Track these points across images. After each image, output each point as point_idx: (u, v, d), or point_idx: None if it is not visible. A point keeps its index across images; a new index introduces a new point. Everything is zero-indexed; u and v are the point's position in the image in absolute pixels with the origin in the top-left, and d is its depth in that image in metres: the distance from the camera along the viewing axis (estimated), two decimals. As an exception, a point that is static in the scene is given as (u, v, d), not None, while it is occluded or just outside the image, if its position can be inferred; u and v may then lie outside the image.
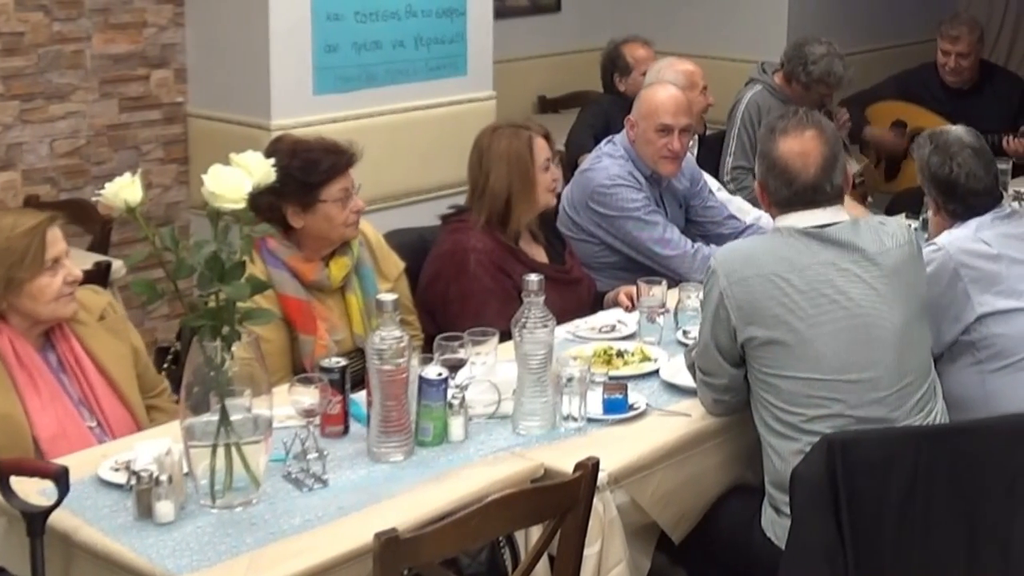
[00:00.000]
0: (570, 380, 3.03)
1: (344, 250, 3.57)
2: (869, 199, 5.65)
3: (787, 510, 2.81)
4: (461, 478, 2.79)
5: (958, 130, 3.56)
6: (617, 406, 3.09)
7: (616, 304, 3.94)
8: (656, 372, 3.36)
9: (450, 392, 2.95)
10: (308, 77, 4.98)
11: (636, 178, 4.29)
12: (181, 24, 5.20)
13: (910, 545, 2.72)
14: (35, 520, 2.50)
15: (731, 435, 3.15)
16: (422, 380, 2.91)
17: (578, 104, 6.59)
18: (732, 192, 5.10)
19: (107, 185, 2.58)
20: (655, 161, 4.30)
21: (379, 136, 4.99)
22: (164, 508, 2.55)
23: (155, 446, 2.63)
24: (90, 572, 2.54)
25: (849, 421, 2.92)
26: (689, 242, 4.28)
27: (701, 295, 3.23)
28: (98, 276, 4.10)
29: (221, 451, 2.60)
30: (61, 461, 2.64)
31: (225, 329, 2.55)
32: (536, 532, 2.68)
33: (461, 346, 3.00)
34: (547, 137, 3.89)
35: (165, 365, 3.44)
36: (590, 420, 3.06)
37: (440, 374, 2.93)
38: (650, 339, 3.57)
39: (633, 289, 3.82)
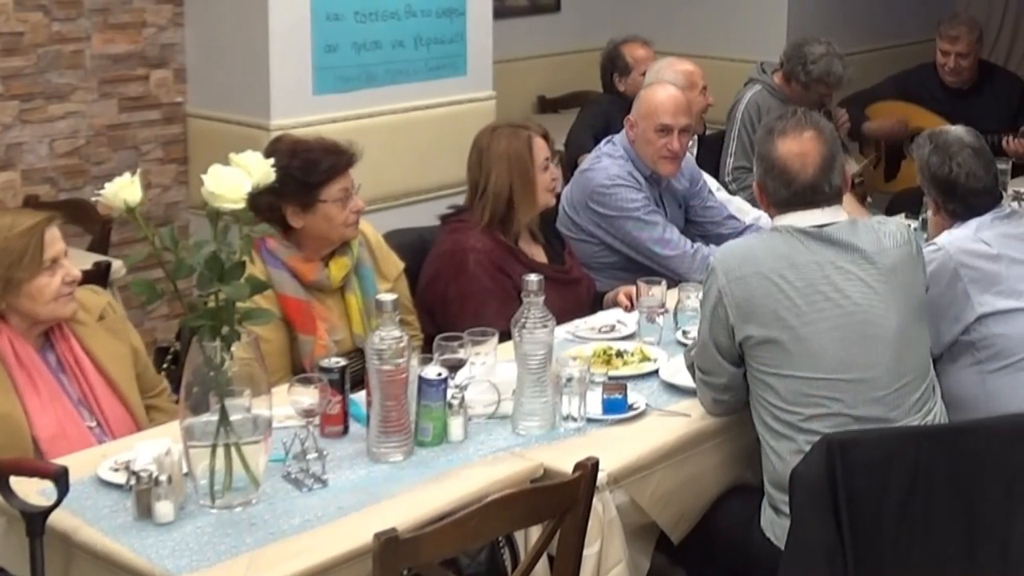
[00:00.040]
0: (569, 380, 3.03)
1: (344, 250, 3.57)
2: (868, 199, 5.65)
3: (786, 510, 2.81)
4: (461, 478, 2.79)
5: (958, 130, 3.56)
6: (616, 406, 3.09)
7: (616, 304, 3.94)
8: (655, 372, 3.36)
9: (450, 392, 2.95)
10: (308, 77, 4.98)
11: (636, 178, 4.30)
12: (180, 24, 5.20)
13: (909, 545, 2.72)
14: (35, 520, 2.50)
15: (730, 435, 3.15)
16: (421, 380, 2.91)
17: (578, 104, 6.59)
18: (734, 192, 5.10)
19: (107, 185, 2.58)
20: (655, 161, 4.30)
21: (379, 136, 4.99)
22: (164, 508, 2.55)
23: (155, 446, 2.63)
24: (90, 572, 2.54)
25: (847, 420, 2.92)
26: (688, 242, 4.28)
27: (701, 295, 3.23)
28: (97, 276, 4.10)
29: (221, 451, 2.59)
30: (61, 461, 2.64)
31: (224, 329, 2.55)
32: (535, 532, 2.68)
33: (461, 346, 3.00)
34: (546, 137, 3.89)
35: (164, 365, 3.44)
36: (589, 420, 3.06)
37: (440, 374, 2.93)
38: (649, 339, 3.57)
39: (632, 289, 3.82)
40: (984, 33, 6.46)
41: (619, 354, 3.46)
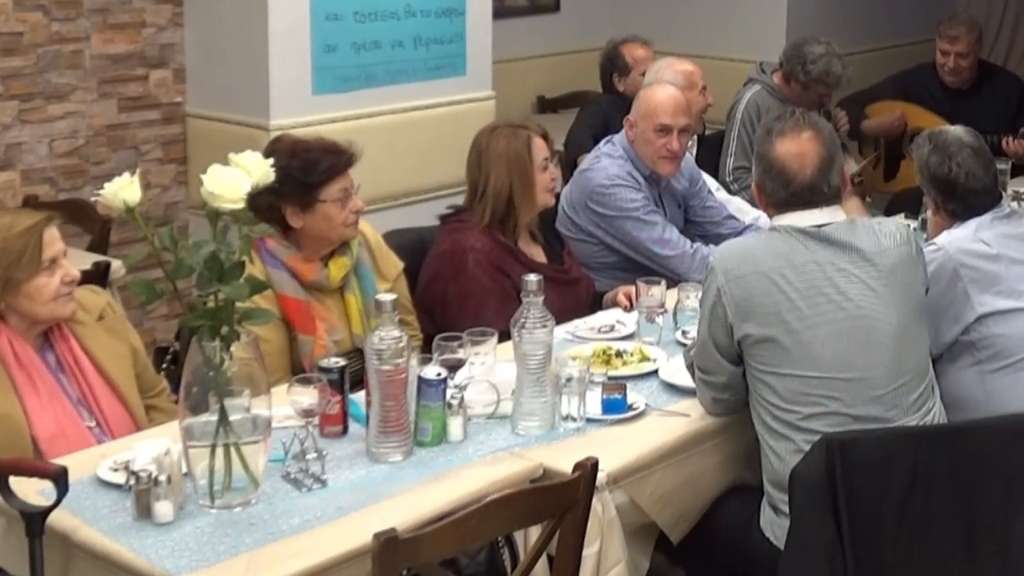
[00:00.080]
0: (569, 380, 3.03)
1: (343, 250, 3.57)
2: (868, 199, 5.65)
3: (786, 510, 2.81)
4: (460, 478, 2.79)
5: (957, 130, 3.56)
6: (616, 406, 3.09)
7: (615, 304, 3.94)
8: (655, 372, 3.36)
9: (449, 392, 2.95)
10: (307, 77, 4.98)
11: (635, 178, 4.30)
12: (180, 24, 5.20)
13: (909, 545, 2.72)
14: (34, 520, 2.50)
15: (730, 435, 3.15)
16: (421, 380, 2.91)
17: (577, 104, 6.59)
18: (734, 192, 5.10)
19: (106, 185, 2.58)
20: (654, 161, 4.30)
21: (378, 136, 4.99)
22: (163, 508, 2.55)
23: (154, 446, 2.63)
24: (89, 572, 2.54)
25: (846, 420, 2.92)
26: (688, 242, 4.28)
27: (700, 295, 3.23)
28: (97, 276, 4.09)
29: (220, 451, 2.59)
30: (60, 461, 2.64)
31: (224, 329, 2.55)
32: (535, 532, 2.68)
33: (460, 346, 3.00)
34: (545, 137, 3.89)
35: (164, 365, 3.44)
36: (589, 420, 3.06)
37: (439, 374, 2.93)
38: (649, 339, 3.57)
39: (632, 289, 3.82)
40: (984, 33, 6.47)
41: (618, 354, 3.45)
